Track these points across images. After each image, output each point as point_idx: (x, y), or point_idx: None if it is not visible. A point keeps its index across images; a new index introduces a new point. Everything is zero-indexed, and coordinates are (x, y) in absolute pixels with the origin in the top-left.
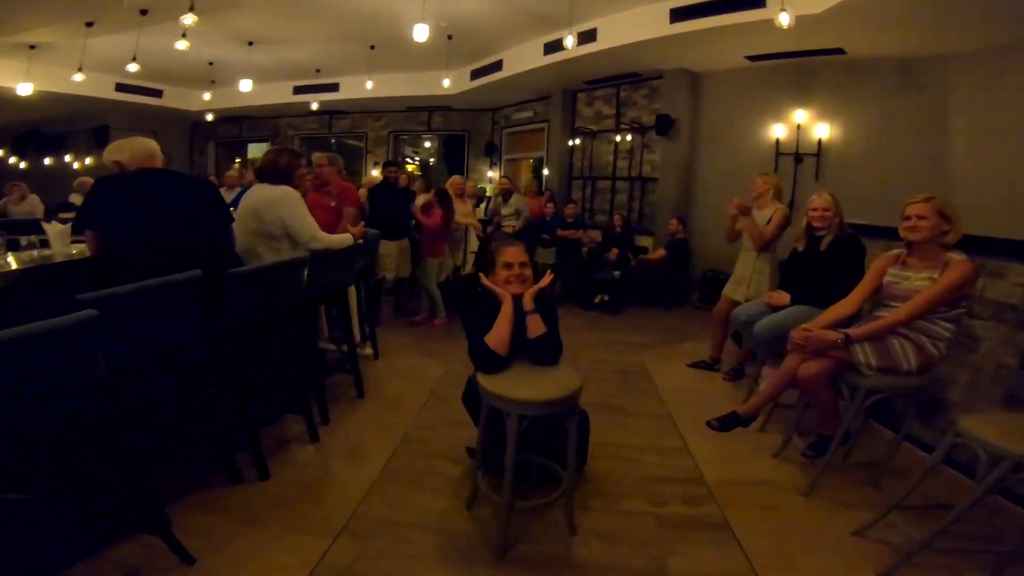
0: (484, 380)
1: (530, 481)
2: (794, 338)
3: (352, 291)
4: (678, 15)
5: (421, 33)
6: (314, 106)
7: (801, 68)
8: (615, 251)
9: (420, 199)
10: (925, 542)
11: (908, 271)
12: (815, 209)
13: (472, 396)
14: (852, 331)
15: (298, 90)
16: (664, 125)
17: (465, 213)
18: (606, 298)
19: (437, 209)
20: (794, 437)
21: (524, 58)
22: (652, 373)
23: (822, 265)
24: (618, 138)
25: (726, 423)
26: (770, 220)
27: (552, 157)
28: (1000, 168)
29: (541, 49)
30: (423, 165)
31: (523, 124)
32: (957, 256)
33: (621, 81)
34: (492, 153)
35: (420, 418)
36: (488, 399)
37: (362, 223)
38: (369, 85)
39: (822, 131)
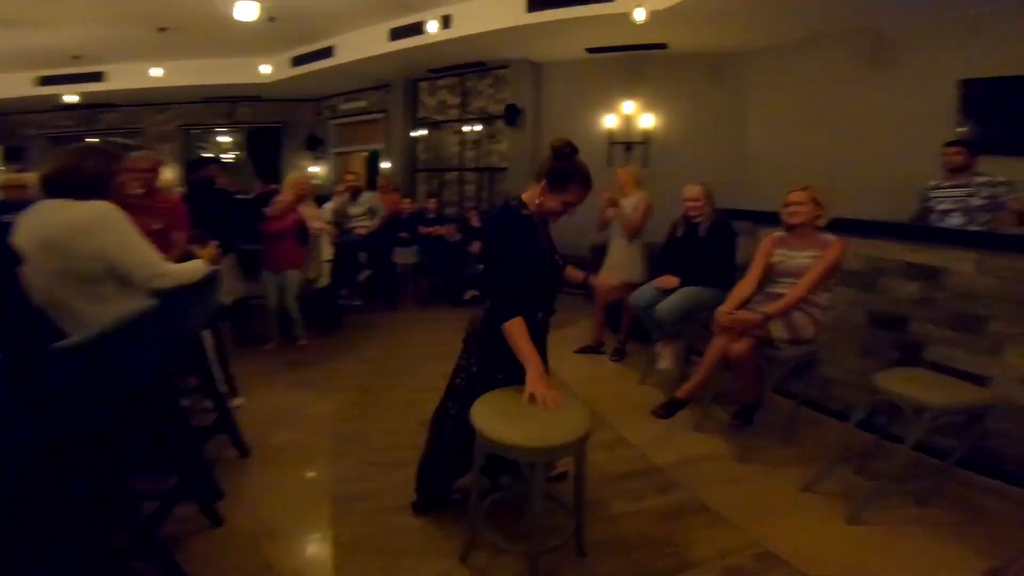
0: (492, 429)
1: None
2: (722, 321)
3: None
4: (536, 4)
5: (247, 11)
6: (69, 99)
7: (631, 61)
8: (478, 244)
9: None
10: (880, 489)
11: (792, 251)
12: (688, 199)
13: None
14: (767, 310)
15: (46, 81)
16: (512, 115)
17: (315, 216)
18: (476, 293)
19: (293, 211)
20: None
21: (362, 44)
22: (548, 364)
23: (701, 249)
24: (465, 128)
25: (670, 409)
26: (636, 207)
27: (393, 149)
28: (787, 149)
29: (386, 35)
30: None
31: (355, 115)
32: (831, 237)
33: (467, 70)
34: (316, 147)
35: (339, 468)
36: (498, 448)
37: (215, 244)
38: (157, 73)
39: (647, 121)
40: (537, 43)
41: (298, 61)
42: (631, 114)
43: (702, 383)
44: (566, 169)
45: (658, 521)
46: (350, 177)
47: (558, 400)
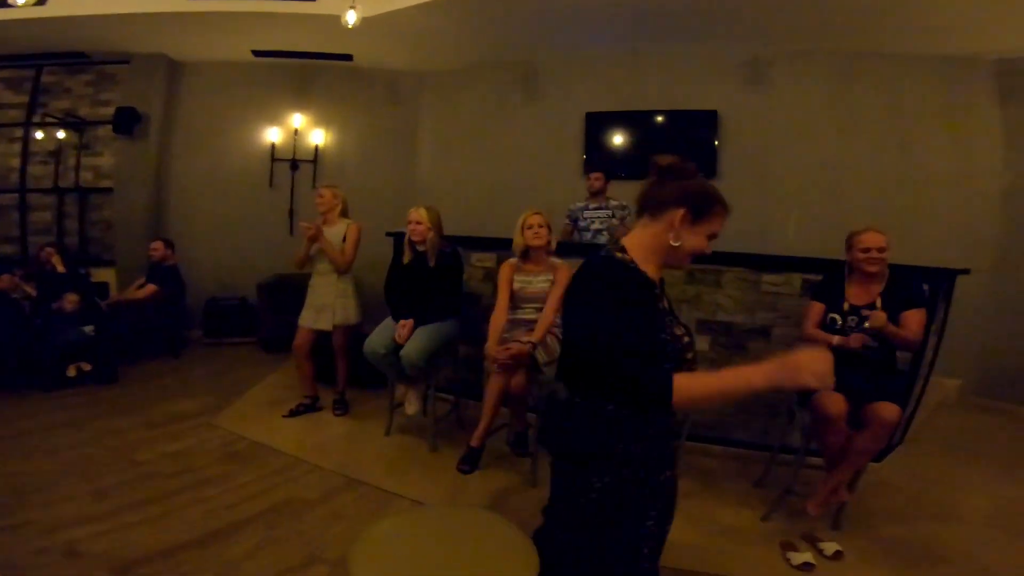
0: None
1: None
2: (500, 359)
3: None
4: None
5: None
6: None
7: (304, 71)
8: (73, 297)
9: None
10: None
11: (530, 276)
12: (411, 223)
13: None
14: (532, 338)
15: None
16: (126, 121)
17: None
18: (86, 367)
19: None
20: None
21: None
22: (261, 442)
23: (433, 280)
24: (40, 135)
25: (473, 460)
26: (345, 238)
27: None
28: (453, 173)
29: None
30: None
31: None
32: (558, 260)
33: (45, 61)
34: None
35: None
36: None
37: None
38: None
39: (318, 137)
40: (184, 37)
41: None
42: (300, 128)
43: (488, 426)
44: (706, 189)
45: None
46: None
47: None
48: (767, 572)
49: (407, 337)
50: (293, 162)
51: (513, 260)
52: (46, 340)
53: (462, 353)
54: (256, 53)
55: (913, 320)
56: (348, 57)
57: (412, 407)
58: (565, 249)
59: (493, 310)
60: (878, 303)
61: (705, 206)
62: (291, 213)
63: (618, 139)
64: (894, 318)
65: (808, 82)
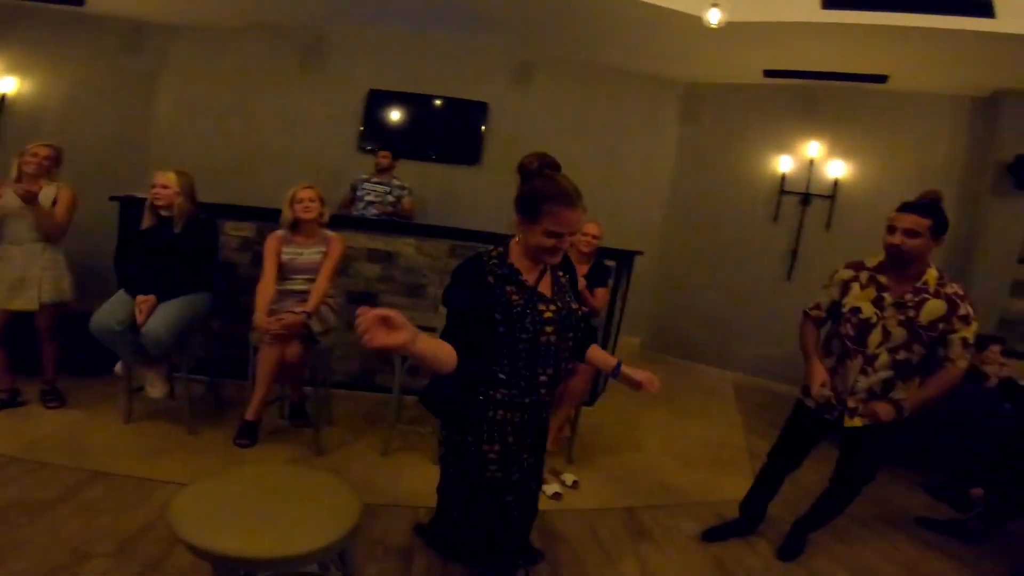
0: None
1: None
2: (272, 329)
3: None
4: None
5: None
6: None
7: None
8: None
9: None
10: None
11: (300, 248)
12: (156, 186)
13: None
14: (307, 307)
15: None
16: None
17: None
18: None
19: None
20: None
21: None
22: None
23: (177, 249)
24: None
25: (250, 434)
26: (56, 201)
27: None
28: (201, 136)
29: None
30: None
31: None
32: (331, 233)
33: None
34: None
35: None
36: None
37: None
38: None
39: (8, 85)
40: None
41: None
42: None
43: (264, 398)
44: (535, 191)
45: None
46: None
47: None
48: None
49: (147, 315)
50: None
51: (280, 232)
52: None
53: (217, 329)
54: None
55: (599, 295)
56: (80, 2)
57: (157, 390)
58: (341, 221)
59: (258, 281)
60: (581, 282)
61: (533, 208)
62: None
63: (397, 118)
64: (590, 291)
65: (561, 86)
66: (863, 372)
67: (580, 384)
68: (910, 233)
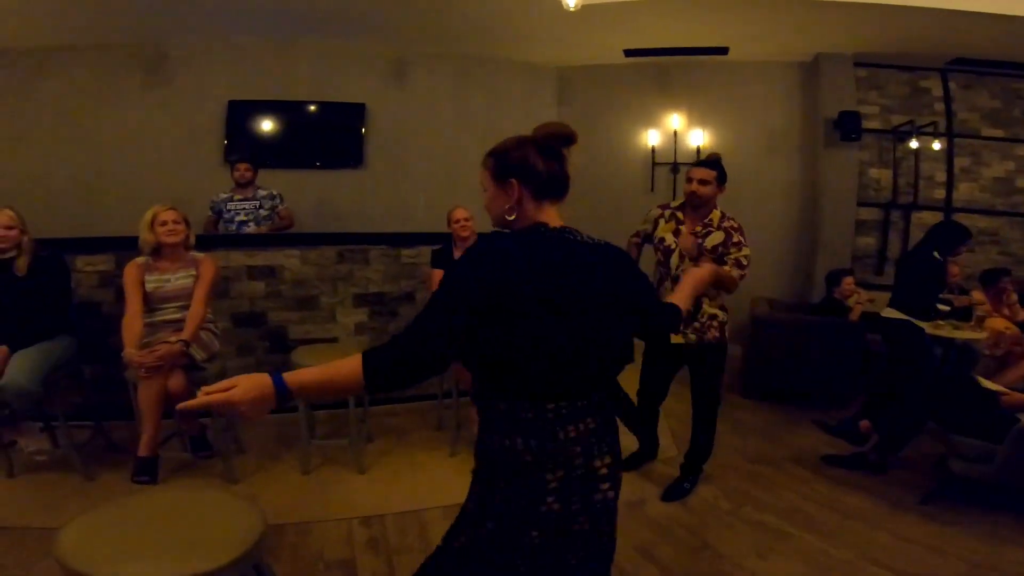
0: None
1: None
2: (148, 363)
3: None
4: None
5: None
6: None
7: None
8: None
9: None
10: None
11: (166, 274)
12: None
13: None
14: (184, 336)
15: None
16: None
17: None
18: None
19: None
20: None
21: None
22: None
23: (28, 291)
24: None
25: (149, 470)
26: None
27: None
28: (28, 167)
29: None
30: None
31: None
32: (199, 254)
33: None
34: None
35: None
36: None
37: None
38: None
39: None
40: None
41: None
42: None
43: (155, 434)
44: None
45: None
46: None
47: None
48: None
49: (3, 362)
50: None
51: (141, 259)
52: None
53: (88, 374)
54: None
55: None
56: None
57: (32, 444)
58: (208, 242)
59: (123, 317)
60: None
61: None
62: None
63: (267, 127)
64: None
65: (438, 81)
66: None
67: None
68: (703, 182)
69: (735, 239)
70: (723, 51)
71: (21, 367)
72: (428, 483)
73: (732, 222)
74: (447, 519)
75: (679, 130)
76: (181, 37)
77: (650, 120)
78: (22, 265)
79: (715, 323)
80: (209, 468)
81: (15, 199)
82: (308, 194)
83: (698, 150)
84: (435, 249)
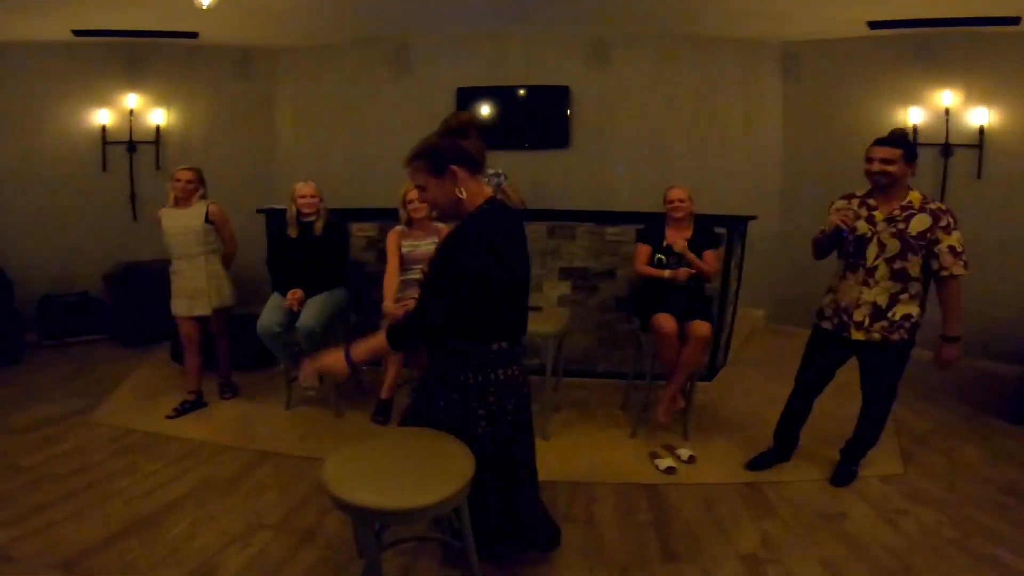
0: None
1: None
2: (398, 313)
3: None
4: None
5: None
6: None
7: (133, 49)
8: None
9: None
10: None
11: (417, 241)
12: (303, 197)
13: None
14: None
15: None
16: None
17: None
18: None
19: None
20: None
21: None
22: (154, 432)
23: (321, 250)
24: None
25: (385, 412)
26: (210, 219)
27: None
28: (317, 148)
29: None
30: None
31: None
32: (443, 225)
33: None
34: None
35: None
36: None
37: None
38: None
39: (158, 117)
40: None
41: None
42: (136, 109)
43: (396, 378)
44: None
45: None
46: None
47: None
48: (643, 477)
49: (300, 304)
50: (130, 144)
51: (399, 227)
52: None
53: (353, 322)
54: (77, 32)
55: (710, 257)
56: (193, 35)
57: (309, 380)
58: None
59: (384, 275)
60: (680, 244)
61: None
62: (132, 197)
63: (487, 111)
64: (699, 256)
65: (640, 62)
66: (865, 284)
67: (692, 354)
68: (886, 161)
69: (943, 222)
70: (1014, 21)
71: (312, 311)
72: (604, 459)
73: (938, 204)
74: (617, 497)
75: (952, 107)
76: (417, 31)
77: (911, 97)
78: (319, 227)
79: (907, 324)
80: None
81: (305, 174)
82: (521, 173)
83: (981, 130)
84: (640, 228)
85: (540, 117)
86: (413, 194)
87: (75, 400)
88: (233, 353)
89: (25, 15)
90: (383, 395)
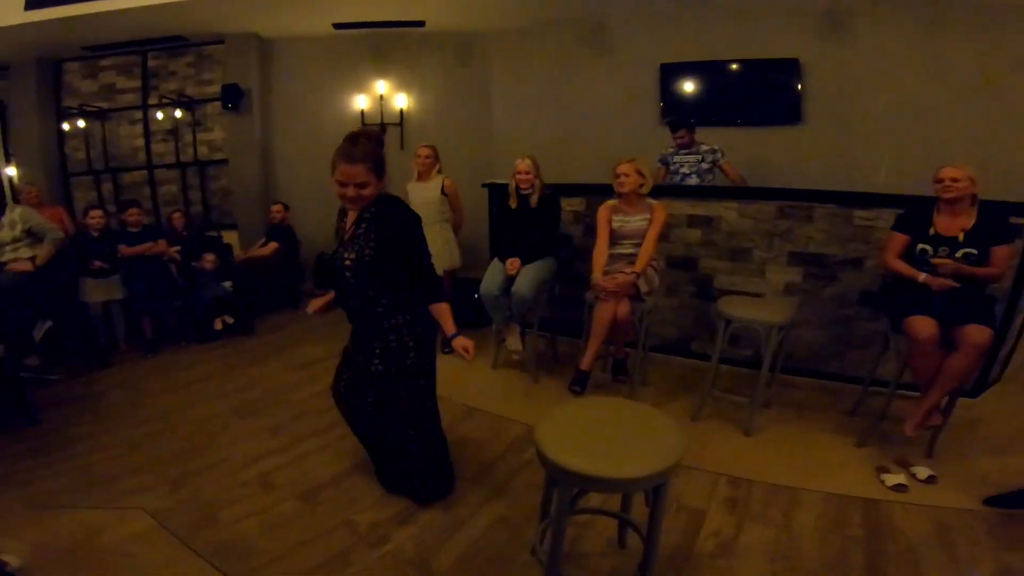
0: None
1: None
2: (608, 287)
3: None
4: None
5: None
6: None
7: (378, 39)
8: (211, 257)
9: None
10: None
11: (627, 216)
12: (520, 172)
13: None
14: (636, 268)
15: None
16: (232, 97)
17: None
18: (229, 320)
19: None
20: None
21: None
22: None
23: (536, 221)
24: (159, 115)
25: (582, 382)
26: (445, 191)
27: (23, 150)
28: (526, 127)
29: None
30: None
31: None
32: (654, 201)
33: (149, 46)
34: None
35: None
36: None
37: None
38: None
39: (401, 101)
40: (269, 16)
41: None
42: (385, 94)
43: (597, 350)
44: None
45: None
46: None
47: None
48: (862, 491)
49: (518, 270)
50: (382, 126)
51: (611, 202)
52: (194, 297)
53: (557, 291)
54: (336, 26)
55: (998, 255)
56: (420, 23)
57: (515, 343)
58: (659, 190)
59: (592, 249)
60: (960, 238)
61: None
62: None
63: (695, 88)
64: (984, 252)
65: (890, 30)
66: None
67: (959, 364)
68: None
69: None
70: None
71: (526, 277)
72: (819, 465)
73: None
74: (825, 505)
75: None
76: (614, 9)
77: None
78: (534, 200)
79: None
80: (618, 391)
81: (518, 152)
82: (739, 150)
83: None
84: (899, 214)
85: (761, 92)
86: (622, 168)
87: (333, 343)
88: (453, 312)
89: (293, 10)
90: (582, 366)
